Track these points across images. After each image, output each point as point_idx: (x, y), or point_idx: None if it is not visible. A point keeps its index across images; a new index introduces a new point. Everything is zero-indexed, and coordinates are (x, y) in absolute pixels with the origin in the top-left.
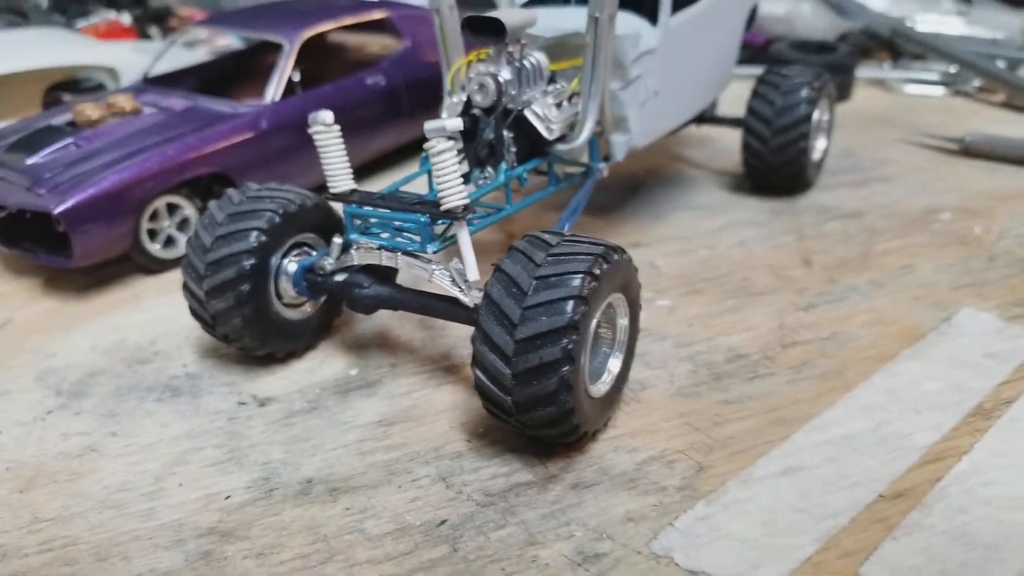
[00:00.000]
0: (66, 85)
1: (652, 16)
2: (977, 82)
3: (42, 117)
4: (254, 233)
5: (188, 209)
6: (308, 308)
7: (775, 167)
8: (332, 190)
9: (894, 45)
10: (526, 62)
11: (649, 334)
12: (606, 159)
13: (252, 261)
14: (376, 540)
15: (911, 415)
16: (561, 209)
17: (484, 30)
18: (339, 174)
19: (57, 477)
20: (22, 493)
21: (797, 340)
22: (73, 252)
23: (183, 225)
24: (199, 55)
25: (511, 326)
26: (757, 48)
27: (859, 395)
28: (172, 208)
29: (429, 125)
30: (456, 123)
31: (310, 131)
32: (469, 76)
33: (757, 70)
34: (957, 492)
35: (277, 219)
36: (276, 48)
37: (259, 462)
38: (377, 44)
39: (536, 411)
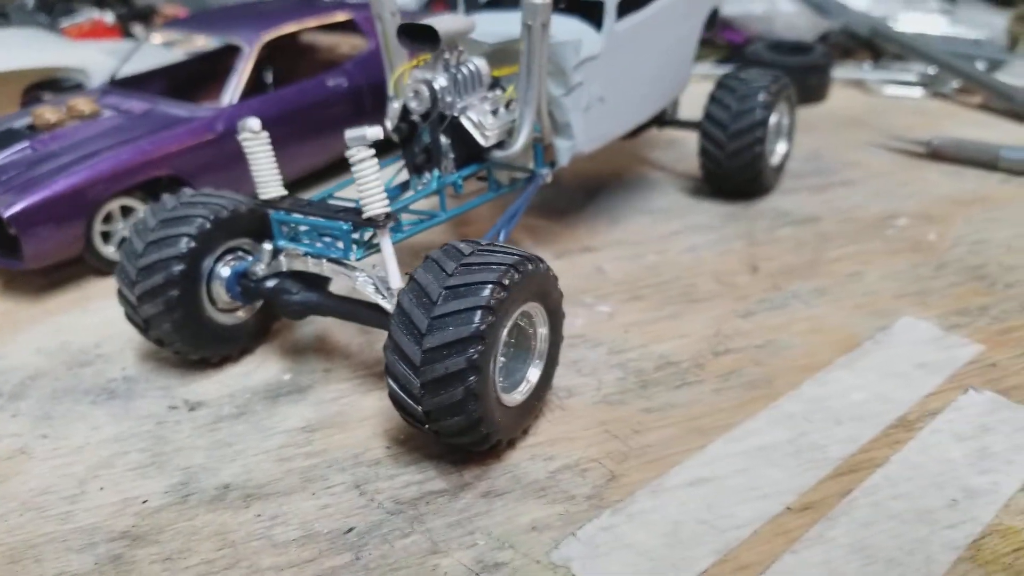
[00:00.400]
0: (47, 84)
1: (600, 22)
2: (955, 84)
3: (4, 120)
4: (184, 239)
5: (142, 212)
6: (242, 313)
7: (731, 171)
8: (261, 196)
9: (874, 45)
10: (464, 69)
11: (585, 340)
12: (552, 164)
13: (181, 267)
14: (282, 547)
15: (831, 426)
16: (528, 215)
17: (419, 38)
18: (268, 180)
19: None
20: None
21: (730, 348)
22: (24, 254)
23: None
24: (171, 56)
25: (419, 335)
26: (735, 47)
27: (783, 405)
28: (126, 211)
29: (349, 133)
30: (375, 131)
31: (239, 137)
32: (406, 83)
33: (728, 70)
34: (864, 505)
35: (208, 225)
36: (233, 52)
37: (180, 467)
38: (347, 44)
39: (445, 420)
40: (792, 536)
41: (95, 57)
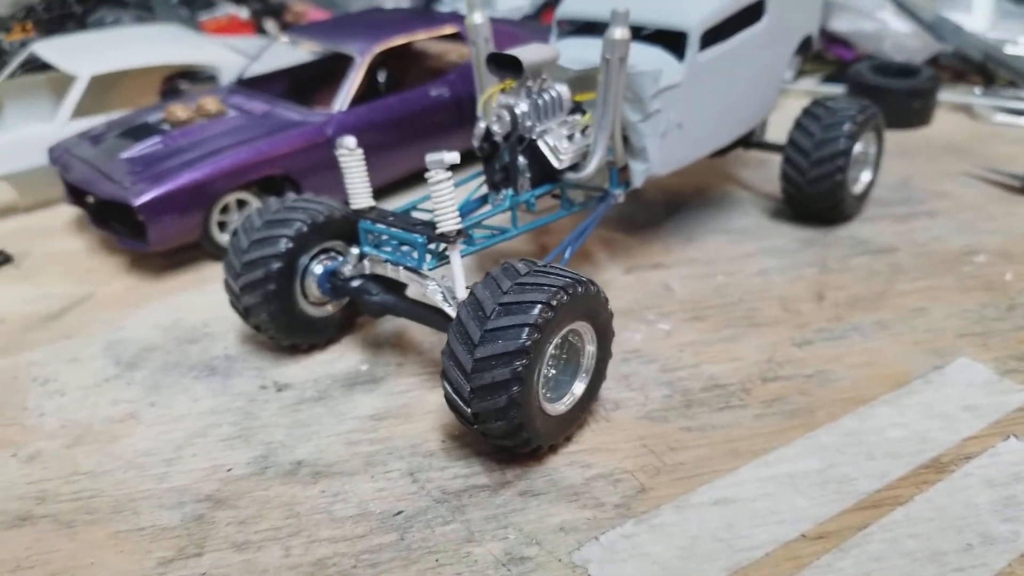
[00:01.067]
0: (184, 74)
1: (682, 52)
2: None
3: (143, 112)
4: (283, 240)
5: (255, 205)
6: (331, 307)
7: (812, 198)
8: (352, 207)
9: (986, 70)
10: (545, 95)
11: (640, 356)
12: (627, 185)
13: (279, 264)
14: (339, 522)
15: (863, 460)
16: (607, 228)
17: (505, 66)
18: (359, 192)
19: (100, 437)
20: (69, 448)
21: (780, 375)
22: (149, 239)
23: None
24: (292, 58)
25: (472, 345)
26: (845, 63)
27: (819, 435)
28: (241, 203)
29: (430, 157)
30: (453, 157)
31: (336, 153)
32: (492, 107)
33: (834, 88)
34: (879, 540)
35: (305, 228)
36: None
37: (263, 441)
38: (454, 52)
39: (490, 423)
40: (802, 563)
41: (226, 56)
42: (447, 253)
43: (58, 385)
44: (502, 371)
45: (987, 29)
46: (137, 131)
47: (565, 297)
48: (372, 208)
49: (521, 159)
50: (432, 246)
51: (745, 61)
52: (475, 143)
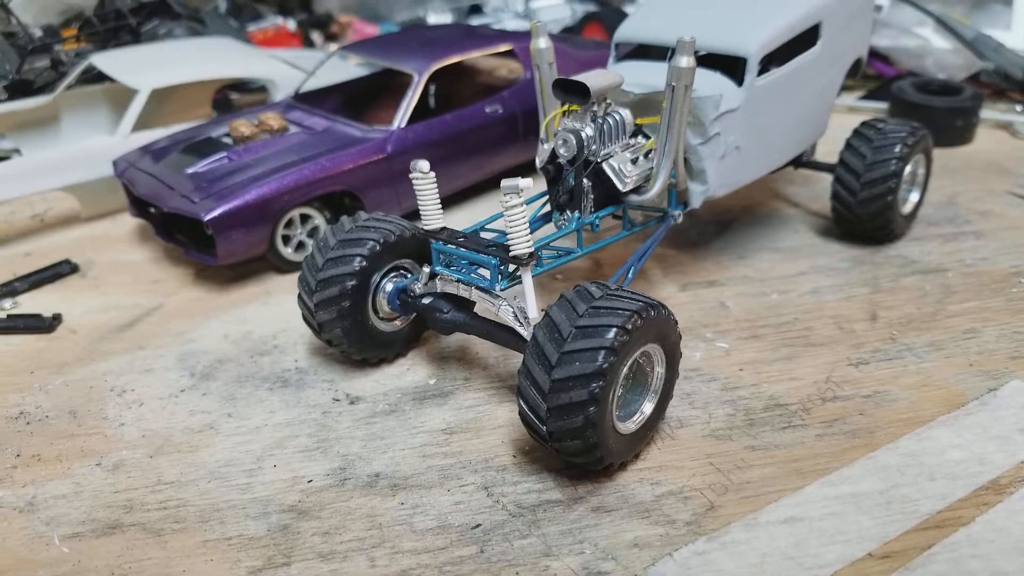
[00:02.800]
0: (234, 85)
1: (740, 76)
2: None
3: (206, 127)
4: (357, 259)
5: (318, 219)
6: (399, 322)
7: (861, 218)
8: (425, 227)
9: None
10: (609, 119)
11: (700, 374)
12: (684, 205)
13: (354, 282)
14: (420, 533)
15: (924, 481)
16: (660, 244)
17: (571, 91)
18: (431, 213)
19: (180, 448)
20: (151, 458)
21: (839, 395)
22: (217, 253)
23: (313, 232)
24: (345, 73)
25: (549, 367)
26: (886, 80)
27: (880, 456)
28: (304, 218)
29: (505, 183)
30: (527, 183)
31: (410, 176)
32: (556, 129)
33: (876, 105)
34: (943, 560)
35: (378, 247)
36: (398, 74)
37: (340, 453)
38: (504, 68)
39: (566, 441)
40: None
41: (281, 70)
42: (518, 274)
43: (135, 395)
44: (579, 392)
45: None
46: (201, 146)
47: (639, 321)
48: (443, 228)
49: (586, 182)
50: (504, 267)
51: (801, 85)
52: (538, 164)
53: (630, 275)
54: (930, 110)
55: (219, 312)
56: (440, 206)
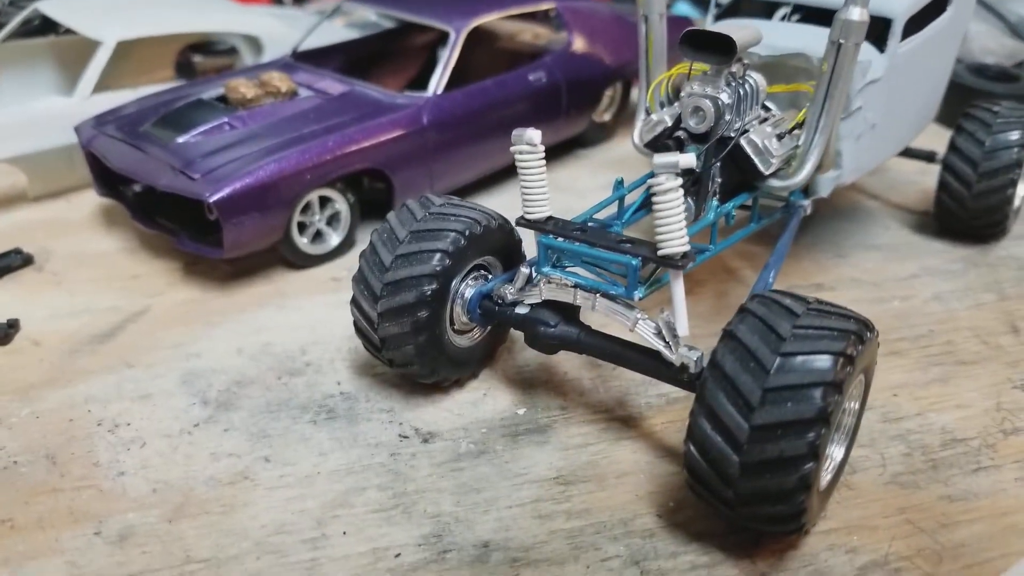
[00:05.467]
0: (196, 47)
1: (875, 41)
2: None
3: (189, 88)
4: (438, 255)
5: (340, 203)
6: (476, 334)
7: (975, 213)
8: (528, 216)
9: None
10: (747, 84)
11: None
12: (806, 193)
13: (434, 286)
14: None
15: None
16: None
17: (705, 48)
18: (537, 199)
19: (208, 507)
20: (171, 523)
21: (1019, 426)
22: (224, 243)
23: (332, 220)
24: (345, 32)
25: (747, 408)
26: None
27: None
28: (323, 201)
29: (659, 159)
30: (689, 159)
31: (512, 149)
32: (682, 96)
33: None
34: None
35: (463, 241)
36: (425, 32)
37: (428, 513)
38: (530, 33)
39: (761, 507)
40: None
41: (273, 26)
42: (663, 279)
43: (133, 431)
44: (794, 443)
45: None
46: (192, 111)
47: (860, 346)
48: (550, 218)
49: (714, 161)
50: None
51: (931, 55)
52: (638, 141)
53: (770, 280)
54: (991, 96)
55: (223, 318)
56: (547, 190)
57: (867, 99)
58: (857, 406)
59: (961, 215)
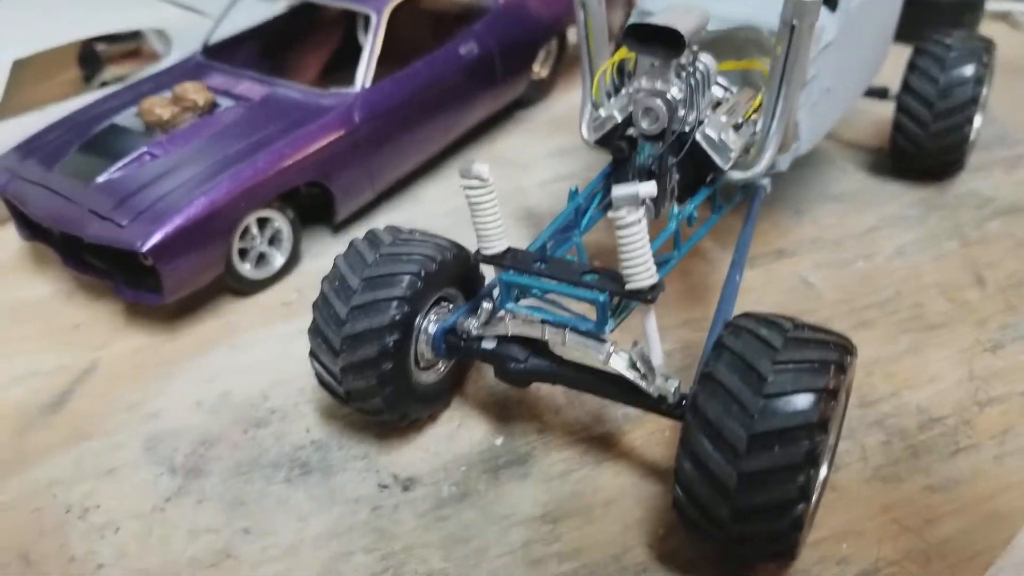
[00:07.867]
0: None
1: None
2: None
3: (102, 108)
4: (395, 303)
5: (279, 221)
6: (442, 367)
7: (932, 152)
8: (484, 252)
9: None
10: (697, 72)
11: None
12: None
13: (396, 336)
14: None
15: None
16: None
17: (652, 42)
18: (492, 233)
19: None
20: None
21: (992, 396)
22: (164, 289)
23: (274, 240)
24: (257, 11)
25: (734, 455)
26: None
27: None
28: (262, 222)
29: (618, 192)
30: (650, 188)
31: (462, 184)
32: (630, 91)
33: None
34: None
35: (419, 284)
36: (324, 12)
37: (419, 574)
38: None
39: (756, 524)
40: None
41: (177, 16)
42: (627, 305)
43: (104, 515)
44: (785, 487)
45: None
46: (108, 141)
47: (842, 376)
48: (508, 251)
49: (672, 161)
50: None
51: (880, 6)
52: (587, 138)
53: (737, 280)
54: (936, 5)
55: (175, 367)
56: (502, 223)
57: (822, 66)
58: (840, 422)
59: (917, 155)
